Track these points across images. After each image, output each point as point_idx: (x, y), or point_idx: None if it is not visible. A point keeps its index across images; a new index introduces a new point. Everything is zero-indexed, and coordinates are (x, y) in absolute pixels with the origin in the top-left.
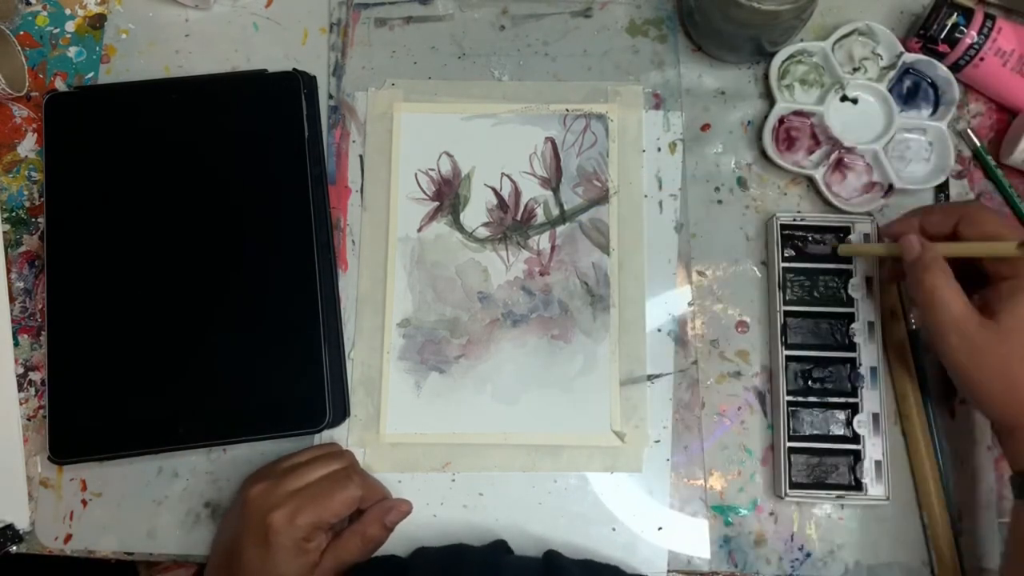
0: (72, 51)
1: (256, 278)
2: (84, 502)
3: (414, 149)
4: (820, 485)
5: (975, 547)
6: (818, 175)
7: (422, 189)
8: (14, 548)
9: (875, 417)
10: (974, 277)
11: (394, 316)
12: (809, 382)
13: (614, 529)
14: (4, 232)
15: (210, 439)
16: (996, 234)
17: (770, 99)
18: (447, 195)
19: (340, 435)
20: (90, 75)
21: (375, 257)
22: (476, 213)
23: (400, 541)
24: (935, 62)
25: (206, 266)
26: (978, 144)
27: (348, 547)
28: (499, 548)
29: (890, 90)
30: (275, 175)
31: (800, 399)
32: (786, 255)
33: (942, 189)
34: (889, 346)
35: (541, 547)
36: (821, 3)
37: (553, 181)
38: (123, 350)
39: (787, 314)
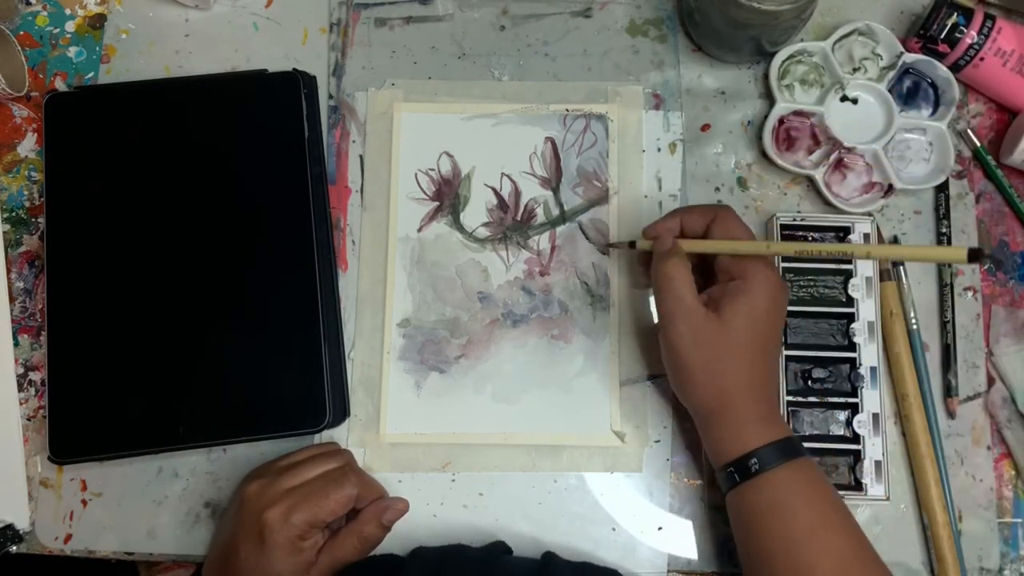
0: (72, 51)
1: (256, 278)
2: (84, 502)
3: (414, 149)
4: None
5: (975, 547)
6: (818, 175)
7: (422, 189)
8: (14, 548)
9: (875, 417)
10: (710, 277)
11: (394, 316)
12: (809, 382)
13: (614, 529)
14: (4, 232)
15: (210, 439)
16: (738, 237)
17: (770, 99)
18: (447, 195)
19: (340, 435)
20: (90, 75)
21: (375, 257)
22: (476, 213)
23: (400, 541)
24: (935, 62)
25: (206, 266)
26: (978, 144)
27: (344, 546)
28: (498, 549)
29: (890, 90)
30: (275, 175)
31: (800, 399)
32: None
33: (942, 189)
34: (889, 346)
35: (541, 547)
36: (821, 3)
37: (553, 181)
38: (123, 350)
39: (787, 314)
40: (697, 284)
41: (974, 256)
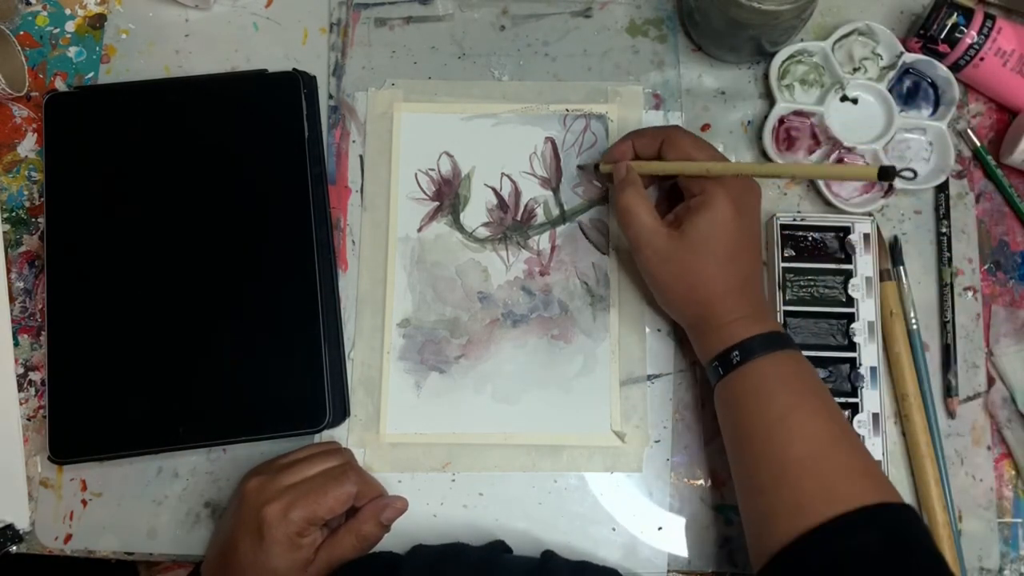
0: (72, 51)
1: (256, 278)
2: (84, 502)
3: (414, 149)
4: None
5: (975, 547)
6: None
7: (422, 189)
8: (14, 548)
9: (875, 417)
10: (678, 198)
11: (394, 316)
12: None
13: (614, 529)
14: (4, 232)
15: (210, 439)
16: (689, 155)
17: (770, 99)
18: (447, 195)
19: (340, 435)
20: (90, 75)
21: (375, 257)
22: (476, 213)
23: (400, 541)
24: (935, 62)
25: (206, 266)
26: (978, 144)
27: (343, 544)
28: (497, 548)
29: (890, 90)
30: (275, 175)
31: None
32: (786, 255)
33: (942, 189)
34: (889, 346)
35: (541, 547)
36: (821, 3)
37: (553, 181)
38: (123, 350)
39: (787, 314)
40: (667, 206)
41: (884, 174)
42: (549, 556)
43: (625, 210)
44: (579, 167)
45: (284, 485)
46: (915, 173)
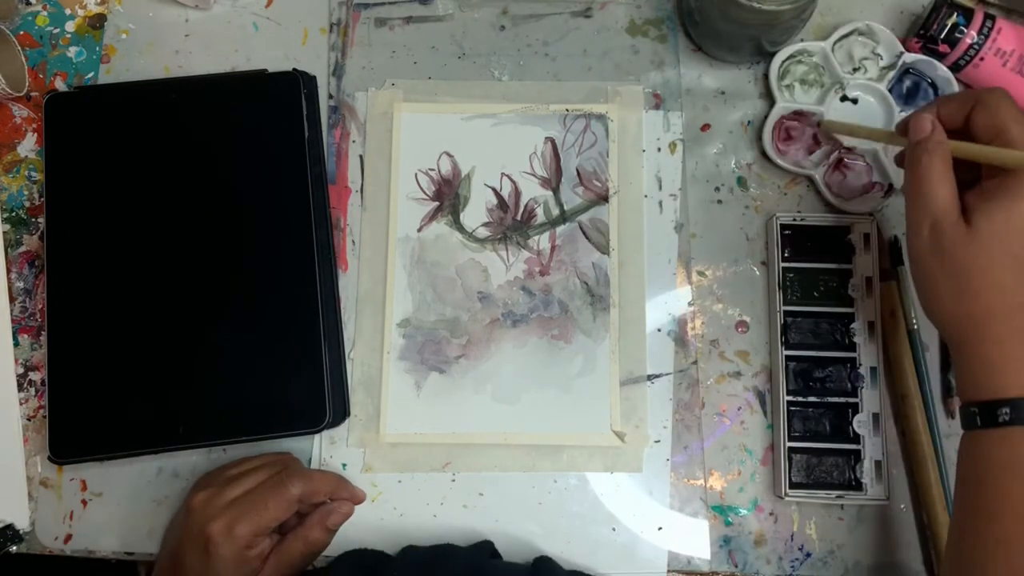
0: (72, 51)
1: (256, 278)
2: (84, 502)
3: (414, 149)
4: (820, 485)
5: None
6: (818, 175)
7: (422, 189)
8: (14, 548)
9: (875, 417)
10: (975, 171)
11: (394, 316)
12: (809, 382)
13: (614, 529)
14: (4, 232)
15: (210, 439)
16: (1004, 127)
17: (770, 99)
18: (447, 195)
19: (340, 435)
20: (90, 75)
21: (375, 257)
22: (476, 213)
23: (400, 540)
24: (935, 62)
25: (206, 266)
26: None
27: (291, 551)
28: (484, 550)
29: (890, 90)
30: (275, 175)
31: (800, 399)
32: (786, 255)
33: None
34: (889, 346)
35: (541, 547)
36: (821, 3)
37: (553, 181)
38: (123, 350)
39: (787, 314)
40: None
41: None
42: (542, 563)
43: (924, 176)
44: (820, 125)
45: (227, 500)
46: None
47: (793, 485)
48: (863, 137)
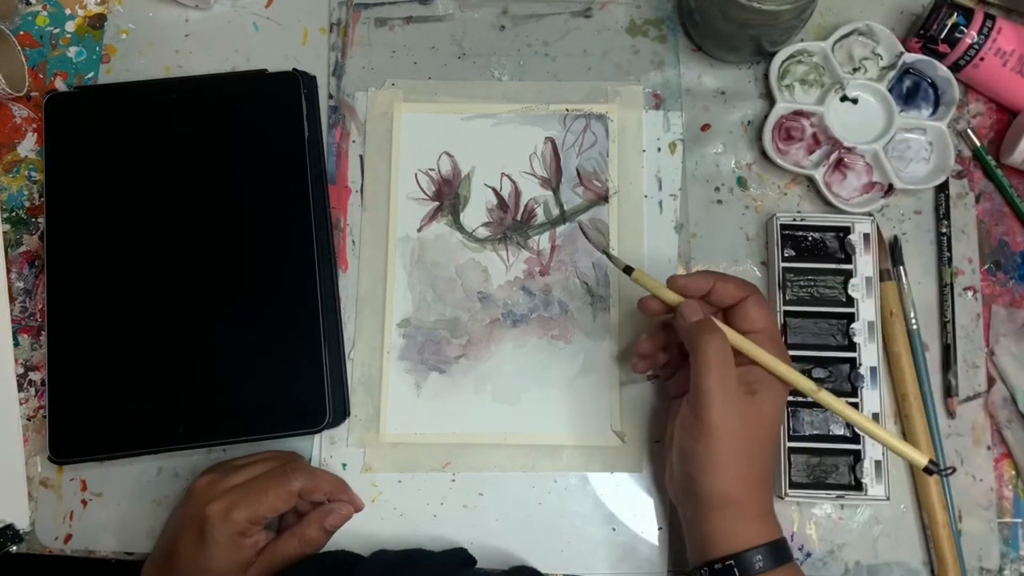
0: (72, 51)
1: (256, 278)
2: (84, 502)
3: (414, 149)
4: (820, 485)
5: (975, 547)
6: (818, 175)
7: (422, 189)
8: (14, 548)
9: (875, 417)
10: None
11: (394, 316)
12: None
13: (614, 529)
14: (4, 232)
15: (210, 439)
16: (760, 328)
17: (770, 99)
18: (447, 195)
19: (340, 435)
20: (90, 75)
21: (375, 257)
22: (476, 213)
23: (399, 540)
24: (935, 62)
25: (206, 266)
26: (978, 144)
27: (285, 547)
28: (457, 556)
29: (890, 90)
30: (275, 175)
31: (800, 399)
32: (786, 255)
33: (942, 189)
34: (889, 346)
35: (540, 547)
36: (821, 3)
37: (553, 181)
38: (123, 350)
39: (787, 314)
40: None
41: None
42: (519, 572)
43: (719, 353)
44: (606, 254)
45: (229, 485)
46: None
47: (793, 485)
48: (660, 296)
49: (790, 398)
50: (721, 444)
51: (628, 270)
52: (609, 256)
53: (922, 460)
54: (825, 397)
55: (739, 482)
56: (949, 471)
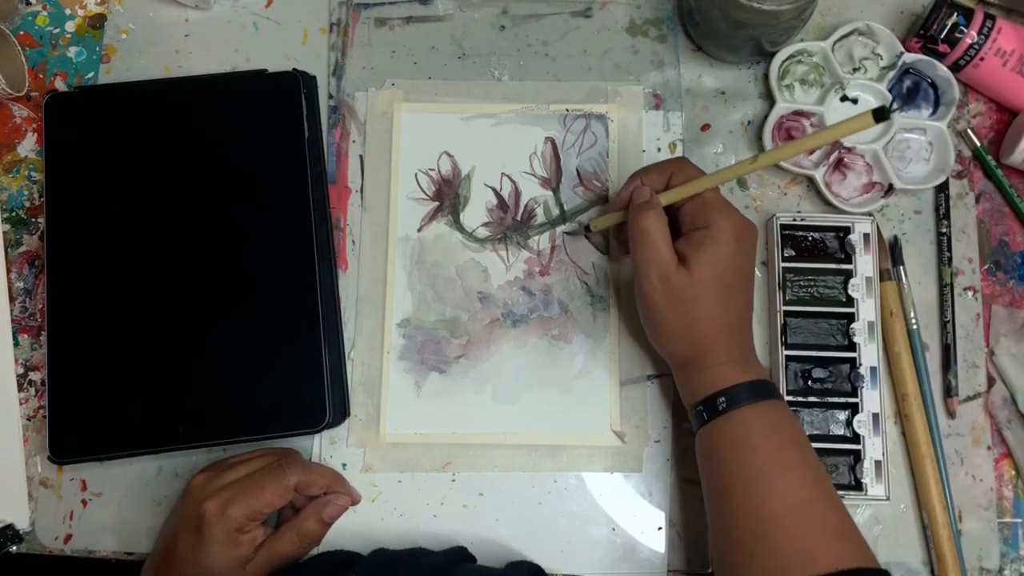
0: (72, 51)
1: (256, 278)
2: (84, 502)
3: (414, 149)
4: None
5: (975, 547)
6: (818, 175)
7: (422, 189)
8: (14, 548)
9: (875, 417)
10: (675, 232)
11: (394, 316)
12: (809, 382)
13: (614, 529)
14: (4, 232)
15: (210, 439)
16: (694, 176)
17: (770, 99)
18: (447, 195)
19: (340, 435)
20: (90, 75)
21: (375, 257)
22: (476, 213)
23: (399, 540)
24: (935, 62)
25: (206, 266)
26: (978, 144)
27: (284, 542)
28: (456, 555)
29: (890, 90)
30: (275, 175)
31: (800, 399)
32: (786, 255)
33: (942, 189)
34: (889, 346)
35: (540, 547)
36: (821, 3)
37: (553, 181)
38: (123, 350)
39: (787, 314)
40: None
41: (879, 115)
42: (515, 566)
43: (644, 231)
44: (567, 234)
45: (225, 482)
46: (901, 103)
47: None
48: (615, 221)
49: (790, 398)
50: (660, 312)
51: (587, 229)
52: (569, 234)
53: (868, 114)
54: (763, 158)
55: (687, 343)
56: (895, 108)
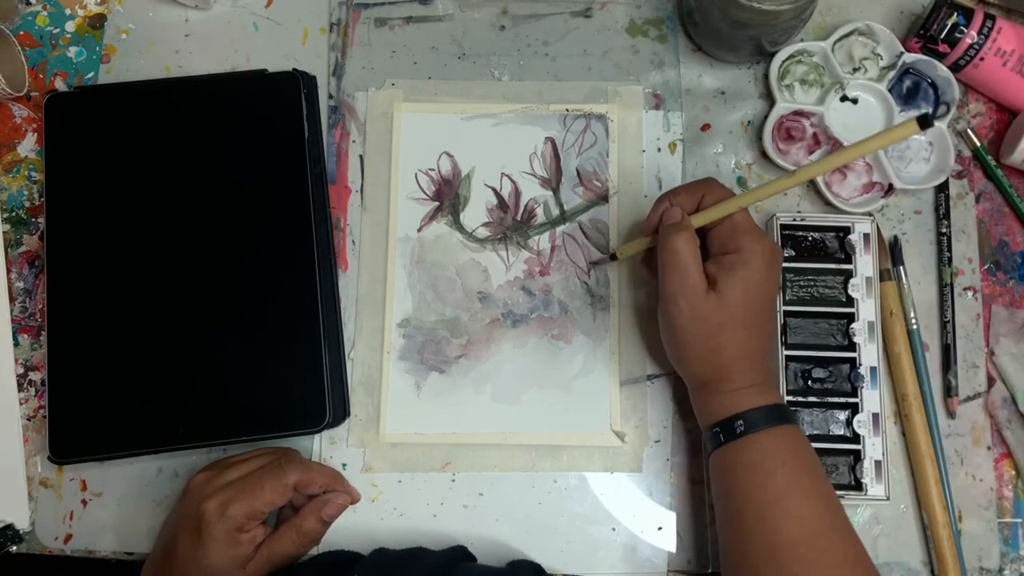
0: (72, 51)
1: (256, 278)
2: (84, 502)
3: (414, 149)
4: None
5: (975, 547)
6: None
7: (422, 189)
8: (14, 548)
9: (875, 417)
10: (704, 254)
11: (394, 316)
12: (809, 382)
13: (614, 529)
14: (4, 232)
15: (210, 439)
16: (726, 197)
17: (770, 99)
18: (447, 195)
19: (340, 435)
20: (90, 75)
21: (375, 257)
22: (476, 213)
23: (400, 539)
24: (935, 62)
25: (206, 266)
26: (978, 144)
27: (284, 540)
28: (457, 554)
29: (890, 90)
30: (275, 175)
31: (800, 399)
32: (786, 255)
33: (942, 189)
34: (889, 346)
35: (540, 547)
36: (821, 3)
37: (553, 181)
38: (123, 350)
39: (787, 314)
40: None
41: (923, 122)
42: (516, 565)
43: (675, 254)
44: (592, 264)
45: (225, 481)
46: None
47: None
48: (645, 247)
49: (790, 398)
50: (684, 336)
51: (613, 257)
52: (595, 264)
53: (913, 121)
54: (800, 173)
55: (711, 367)
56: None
